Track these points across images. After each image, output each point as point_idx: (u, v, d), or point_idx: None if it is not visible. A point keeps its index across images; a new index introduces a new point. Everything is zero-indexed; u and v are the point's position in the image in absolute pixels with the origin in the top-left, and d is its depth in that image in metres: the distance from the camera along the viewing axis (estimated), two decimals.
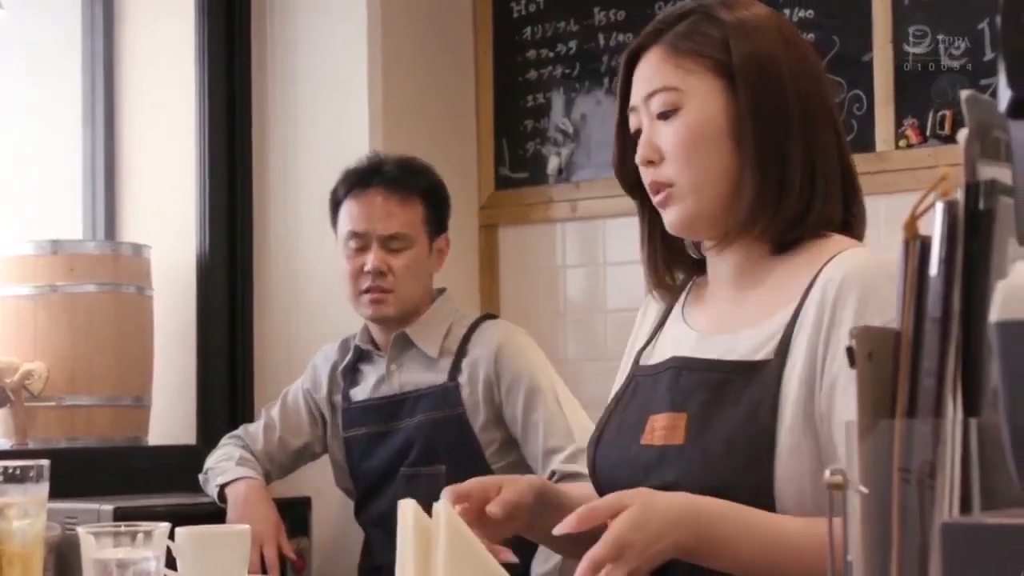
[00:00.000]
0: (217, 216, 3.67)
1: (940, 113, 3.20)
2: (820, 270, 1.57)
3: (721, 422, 1.55)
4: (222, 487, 2.87)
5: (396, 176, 2.83)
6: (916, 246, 0.91)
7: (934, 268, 0.89)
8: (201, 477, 2.96)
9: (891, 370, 0.91)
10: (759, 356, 1.56)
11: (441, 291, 2.94)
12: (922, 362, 0.89)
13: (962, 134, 0.90)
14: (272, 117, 3.71)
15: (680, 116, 1.62)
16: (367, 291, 2.80)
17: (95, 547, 1.41)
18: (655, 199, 1.66)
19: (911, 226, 0.91)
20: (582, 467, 1.99)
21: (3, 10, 3.50)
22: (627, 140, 1.71)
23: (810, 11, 3.41)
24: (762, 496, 1.51)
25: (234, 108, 3.72)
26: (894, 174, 3.25)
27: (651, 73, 1.65)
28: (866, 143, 3.31)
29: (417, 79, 3.69)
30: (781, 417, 1.51)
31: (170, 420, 3.60)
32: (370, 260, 2.79)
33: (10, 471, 1.40)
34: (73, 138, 3.80)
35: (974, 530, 0.78)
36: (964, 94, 0.91)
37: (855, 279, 1.52)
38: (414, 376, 2.85)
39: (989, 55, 3.14)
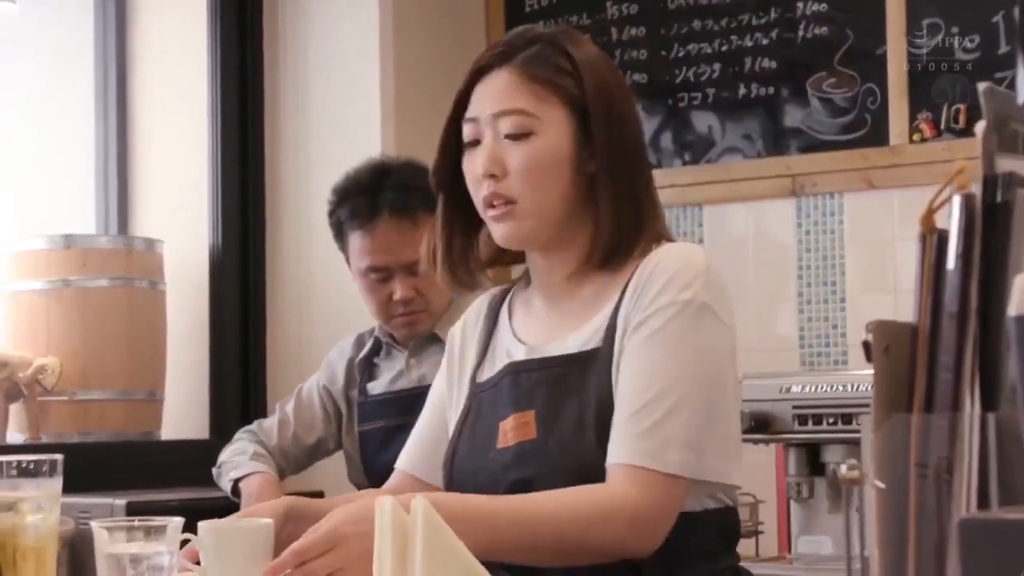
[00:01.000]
0: (230, 211, 3.67)
1: (954, 107, 3.19)
2: (637, 267, 1.68)
3: (568, 411, 1.64)
4: (236, 481, 2.87)
5: (400, 201, 2.73)
6: (933, 240, 0.90)
7: (951, 262, 0.89)
8: (215, 471, 2.96)
9: (907, 365, 0.90)
10: (589, 347, 1.67)
11: None
12: (939, 357, 0.88)
13: (979, 126, 0.90)
14: (284, 113, 3.71)
15: (532, 141, 1.69)
16: (399, 315, 2.78)
17: (108, 541, 1.41)
18: (492, 211, 1.71)
19: (928, 220, 0.90)
20: None
21: (15, 4, 3.50)
22: (452, 144, 1.76)
23: (823, 4, 3.40)
24: None
25: (246, 103, 3.72)
26: (908, 168, 3.24)
27: (502, 94, 1.71)
28: (880, 137, 3.30)
29: (429, 74, 3.69)
30: None
31: (183, 415, 3.60)
32: (398, 290, 2.74)
33: (23, 465, 1.40)
34: (86, 133, 3.80)
35: (992, 526, 0.78)
36: (981, 86, 0.90)
37: (665, 264, 1.65)
38: (434, 370, 2.83)
39: (1003, 48, 3.13)
